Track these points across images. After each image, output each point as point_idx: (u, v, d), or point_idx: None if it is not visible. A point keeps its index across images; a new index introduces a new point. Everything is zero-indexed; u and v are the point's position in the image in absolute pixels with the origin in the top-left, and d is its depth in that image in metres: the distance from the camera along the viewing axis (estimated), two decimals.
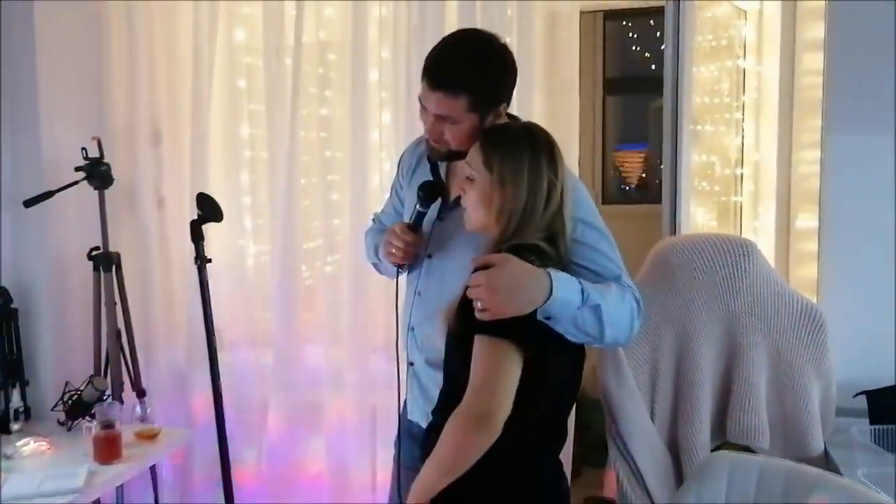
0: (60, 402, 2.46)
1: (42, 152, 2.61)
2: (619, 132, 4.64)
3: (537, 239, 1.43)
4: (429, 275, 1.66)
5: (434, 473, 1.39)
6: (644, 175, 4.71)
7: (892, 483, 1.65)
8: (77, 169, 2.51)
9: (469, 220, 1.50)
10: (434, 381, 1.61)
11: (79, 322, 2.68)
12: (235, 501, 2.12)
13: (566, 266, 1.45)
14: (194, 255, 1.79)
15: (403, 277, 1.73)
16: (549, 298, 1.35)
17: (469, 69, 1.50)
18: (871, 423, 1.97)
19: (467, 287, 1.38)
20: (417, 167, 1.75)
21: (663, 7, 2.33)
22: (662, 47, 2.34)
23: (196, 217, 1.79)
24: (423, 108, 1.55)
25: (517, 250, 1.39)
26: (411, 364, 1.72)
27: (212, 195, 1.84)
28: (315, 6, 2.70)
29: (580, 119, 2.70)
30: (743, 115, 2.69)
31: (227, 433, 2.09)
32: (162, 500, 2.69)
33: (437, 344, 1.57)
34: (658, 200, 2.46)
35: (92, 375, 2.50)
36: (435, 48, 1.54)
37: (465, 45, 1.57)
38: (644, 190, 4.65)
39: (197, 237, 1.77)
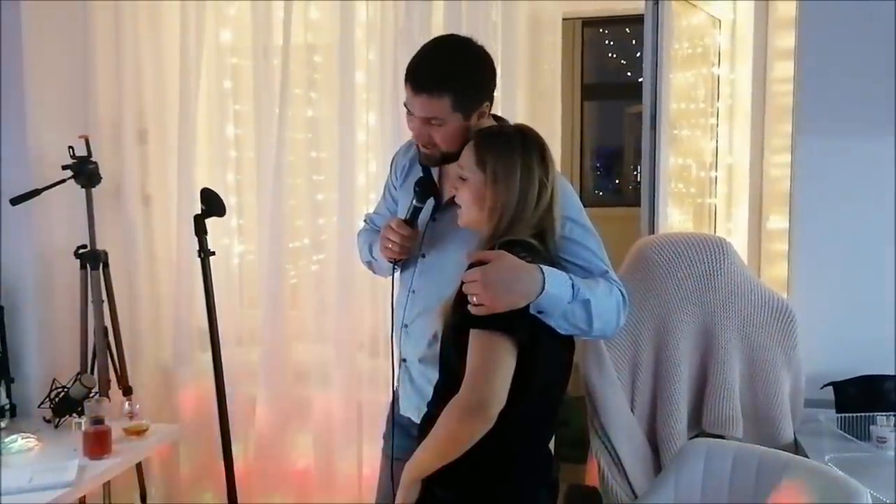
0: (47, 399, 2.46)
1: (29, 150, 2.61)
2: (596, 137, 4.74)
3: (527, 236, 1.48)
4: (422, 273, 1.71)
5: (427, 457, 1.45)
6: (618, 179, 4.82)
7: (857, 466, 1.75)
8: (64, 167, 2.51)
9: (462, 216, 1.55)
10: (426, 378, 1.65)
11: (65, 319, 2.68)
12: (224, 497, 2.15)
13: (554, 262, 1.51)
14: (198, 248, 1.82)
15: (397, 276, 1.78)
16: (541, 293, 1.40)
17: (449, 70, 1.57)
18: (838, 411, 2.08)
19: (462, 283, 1.44)
20: (411, 169, 1.80)
21: (640, 15, 2.41)
22: (638, 54, 2.41)
23: (200, 212, 1.82)
24: (410, 114, 1.61)
25: (509, 246, 1.44)
26: (404, 360, 1.76)
27: (215, 191, 1.87)
28: (302, 7, 2.73)
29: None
30: (717, 120, 2.78)
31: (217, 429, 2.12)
32: (149, 496, 2.70)
33: (430, 341, 1.62)
34: (632, 203, 2.52)
35: (79, 373, 2.51)
36: (416, 55, 1.61)
37: (443, 48, 1.64)
38: (620, 193, 4.75)
39: (200, 231, 1.81)
